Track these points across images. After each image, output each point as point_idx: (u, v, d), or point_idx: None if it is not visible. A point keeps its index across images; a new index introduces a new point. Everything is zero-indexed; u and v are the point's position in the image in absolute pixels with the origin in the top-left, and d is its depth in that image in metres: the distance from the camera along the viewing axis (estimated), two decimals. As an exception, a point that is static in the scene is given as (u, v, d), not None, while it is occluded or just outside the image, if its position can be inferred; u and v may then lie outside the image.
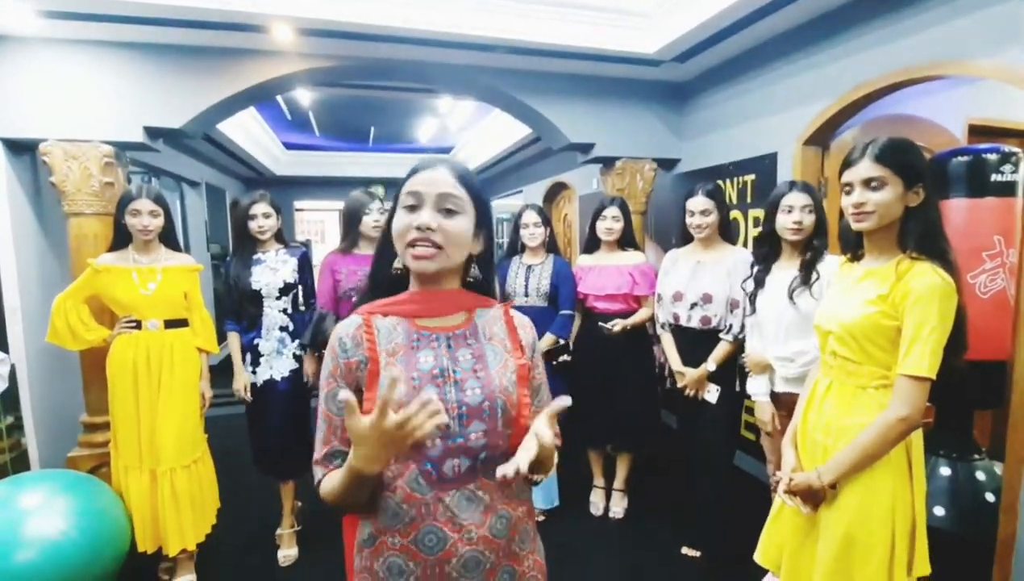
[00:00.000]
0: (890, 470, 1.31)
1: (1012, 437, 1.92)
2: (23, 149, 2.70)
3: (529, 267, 2.72)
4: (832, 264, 1.84)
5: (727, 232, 2.41)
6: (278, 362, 2.41)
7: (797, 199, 1.95)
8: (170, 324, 2.21)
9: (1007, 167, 2.28)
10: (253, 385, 2.41)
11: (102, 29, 2.54)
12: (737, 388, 2.31)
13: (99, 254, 2.24)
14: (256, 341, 2.40)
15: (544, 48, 2.92)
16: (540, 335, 2.57)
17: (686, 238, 2.44)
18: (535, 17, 2.78)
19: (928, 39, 2.13)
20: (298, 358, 2.45)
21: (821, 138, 2.71)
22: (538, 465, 0.87)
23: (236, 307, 2.42)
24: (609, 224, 2.65)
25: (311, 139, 7.14)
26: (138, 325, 2.16)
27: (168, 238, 2.26)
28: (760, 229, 2.13)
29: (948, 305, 1.24)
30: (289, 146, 7.47)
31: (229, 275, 2.41)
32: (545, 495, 2.76)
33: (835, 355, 1.40)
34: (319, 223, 12.43)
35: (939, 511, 2.35)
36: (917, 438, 1.36)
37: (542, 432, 0.83)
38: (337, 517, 1.65)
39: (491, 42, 2.82)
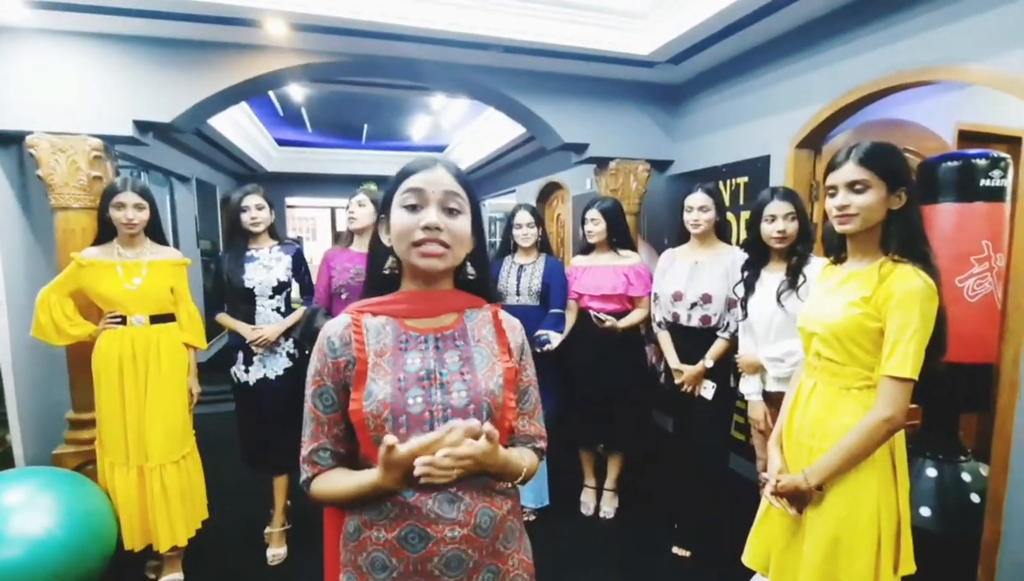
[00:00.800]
0: (875, 471, 1.33)
1: (997, 441, 1.94)
2: (10, 141, 2.65)
3: (521, 266, 2.72)
4: (817, 267, 1.86)
5: (723, 232, 2.45)
6: (272, 361, 2.39)
7: (779, 208, 1.97)
8: (156, 319, 2.17)
9: (996, 172, 2.32)
10: (246, 384, 2.38)
11: (92, 21, 2.50)
12: (731, 384, 2.35)
13: (86, 248, 2.21)
14: (246, 338, 2.36)
15: (539, 47, 2.91)
16: (532, 333, 2.60)
17: (681, 238, 2.47)
18: (530, 16, 2.78)
19: (919, 44, 2.15)
20: (292, 356, 2.43)
21: (813, 141, 2.73)
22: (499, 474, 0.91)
23: (228, 304, 2.40)
24: (590, 227, 2.67)
25: (304, 136, 7.09)
26: (123, 320, 2.13)
27: (154, 232, 2.22)
28: (747, 235, 2.15)
29: (929, 307, 1.26)
30: (281, 142, 7.42)
31: (221, 271, 2.38)
32: (535, 494, 2.76)
33: (819, 356, 1.42)
34: (310, 221, 12.38)
35: (925, 511, 2.38)
36: (900, 438, 1.38)
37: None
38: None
39: (486, 41, 2.81)
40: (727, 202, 3.19)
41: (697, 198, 2.34)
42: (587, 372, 2.67)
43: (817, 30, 2.58)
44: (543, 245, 2.76)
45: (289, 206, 9.17)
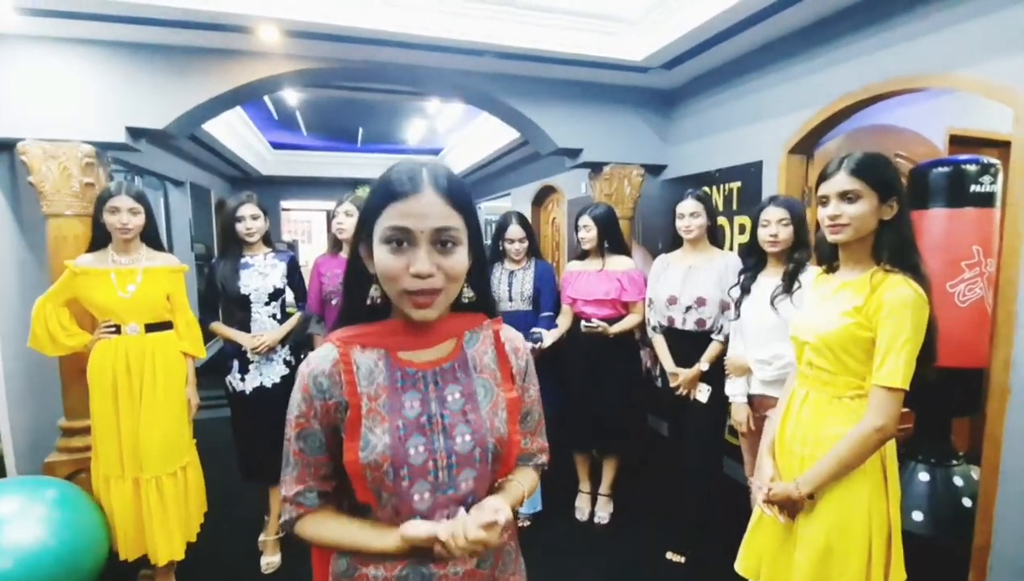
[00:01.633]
0: (866, 479, 1.34)
1: (988, 446, 1.95)
2: (1, 148, 2.64)
3: (512, 273, 2.74)
4: (812, 275, 1.88)
5: (714, 237, 2.48)
6: (268, 368, 2.37)
7: (773, 214, 2.02)
8: (151, 328, 2.14)
9: (986, 178, 2.33)
10: (242, 393, 2.37)
11: (84, 27, 2.49)
12: (725, 388, 2.35)
13: (79, 256, 2.19)
14: (245, 347, 2.35)
15: (532, 53, 2.92)
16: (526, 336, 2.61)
17: (675, 243, 2.51)
18: (524, 22, 2.78)
19: (910, 52, 2.17)
20: (288, 363, 2.42)
21: (806, 147, 2.74)
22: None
23: (223, 311, 2.39)
24: (582, 233, 2.69)
25: (298, 139, 7.08)
26: (117, 330, 2.09)
27: (150, 237, 2.19)
28: (746, 237, 2.17)
29: (920, 316, 1.27)
30: (276, 146, 7.40)
31: (216, 278, 2.37)
32: (529, 500, 2.76)
33: (811, 365, 1.43)
34: (306, 223, 12.36)
35: (917, 516, 2.39)
36: (891, 446, 1.39)
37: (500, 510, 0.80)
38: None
39: (480, 47, 2.82)
40: (720, 207, 3.21)
41: (688, 205, 2.38)
42: (582, 376, 2.68)
43: (808, 37, 2.59)
44: (532, 250, 2.78)
45: (284, 209, 9.14)
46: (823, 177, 1.38)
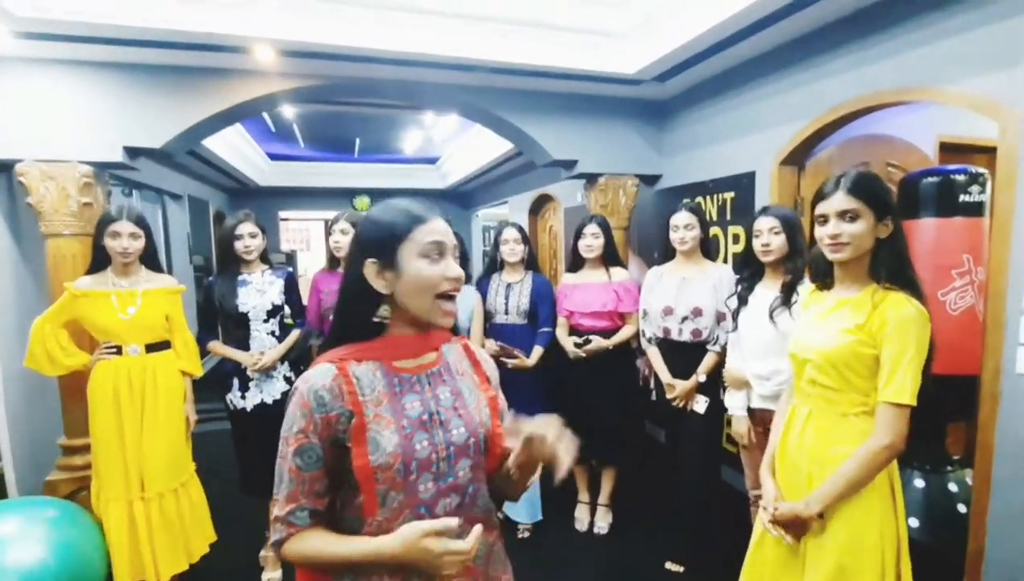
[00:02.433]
0: (876, 497, 1.34)
1: (980, 452, 1.97)
2: (-1, 169, 2.67)
3: (509, 285, 2.75)
4: (805, 292, 1.89)
5: (707, 249, 2.49)
6: (268, 385, 2.39)
7: (764, 223, 2.03)
8: (152, 348, 2.18)
9: (975, 187, 2.36)
10: (243, 411, 2.38)
11: (80, 49, 2.52)
12: (722, 398, 2.36)
13: (77, 275, 2.21)
14: (244, 365, 2.36)
15: (526, 68, 2.95)
16: (526, 350, 2.63)
17: (668, 254, 2.52)
18: (517, 38, 2.81)
19: (899, 65, 2.20)
20: (289, 380, 2.43)
21: (797, 157, 2.77)
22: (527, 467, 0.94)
23: (221, 329, 2.41)
24: (589, 241, 2.69)
25: (296, 150, 7.11)
26: (118, 350, 2.12)
27: (149, 259, 2.23)
28: (740, 246, 2.18)
29: (924, 334, 1.29)
30: (273, 157, 7.43)
31: (214, 296, 2.38)
32: (529, 510, 2.77)
33: (813, 383, 1.43)
34: (304, 232, 12.38)
35: (913, 522, 2.41)
36: (894, 461, 1.39)
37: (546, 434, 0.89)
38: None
39: (473, 63, 2.85)
40: (714, 217, 3.23)
41: (681, 217, 2.40)
42: (580, 387, 2.69)
43: (799, 49, 2.62)
44: (530, 262, 2.79)
45: (283, 219, 9.17)
46: (820, 196, 1.39)
